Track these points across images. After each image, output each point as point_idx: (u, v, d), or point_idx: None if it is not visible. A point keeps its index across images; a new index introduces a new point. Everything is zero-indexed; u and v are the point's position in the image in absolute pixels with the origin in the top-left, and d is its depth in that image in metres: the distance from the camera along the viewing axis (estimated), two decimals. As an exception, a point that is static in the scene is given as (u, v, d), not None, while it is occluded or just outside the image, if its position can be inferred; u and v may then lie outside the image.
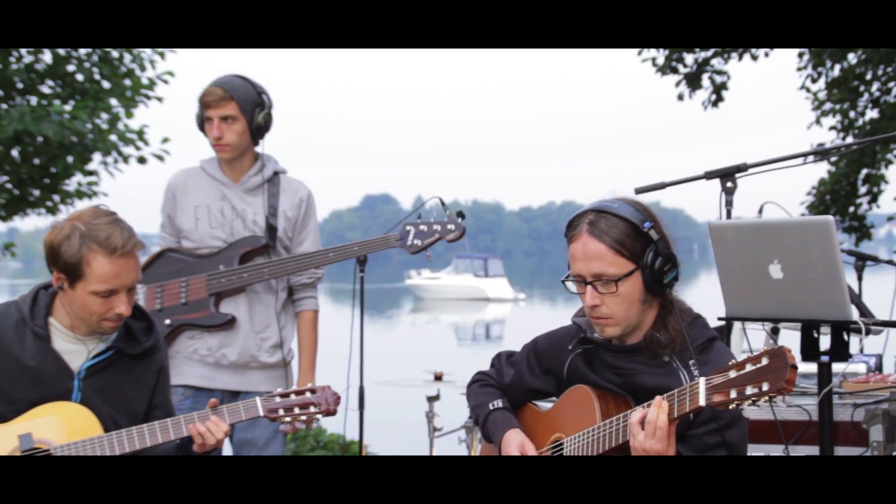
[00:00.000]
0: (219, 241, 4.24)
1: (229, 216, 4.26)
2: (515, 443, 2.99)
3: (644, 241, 2.81)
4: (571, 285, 2.87)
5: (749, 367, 2.45)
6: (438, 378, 5.87)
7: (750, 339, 3.78)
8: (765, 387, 2.41)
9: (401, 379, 6.09)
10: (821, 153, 3.93)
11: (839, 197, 12.22)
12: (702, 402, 2.53)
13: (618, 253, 2.78)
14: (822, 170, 12.69)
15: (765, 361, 2.43)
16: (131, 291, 3.15)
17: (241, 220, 4.26)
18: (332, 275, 4.86)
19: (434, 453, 5.84)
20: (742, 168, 3.74)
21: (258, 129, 4.29)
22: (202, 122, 4.30)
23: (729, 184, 3.73)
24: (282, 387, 4.32)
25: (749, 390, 2.44)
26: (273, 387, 4.28)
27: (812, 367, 3.86)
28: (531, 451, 2.97)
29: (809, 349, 3.35)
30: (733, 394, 2.46)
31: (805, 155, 3.81)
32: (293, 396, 3.20)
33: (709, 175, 3.74)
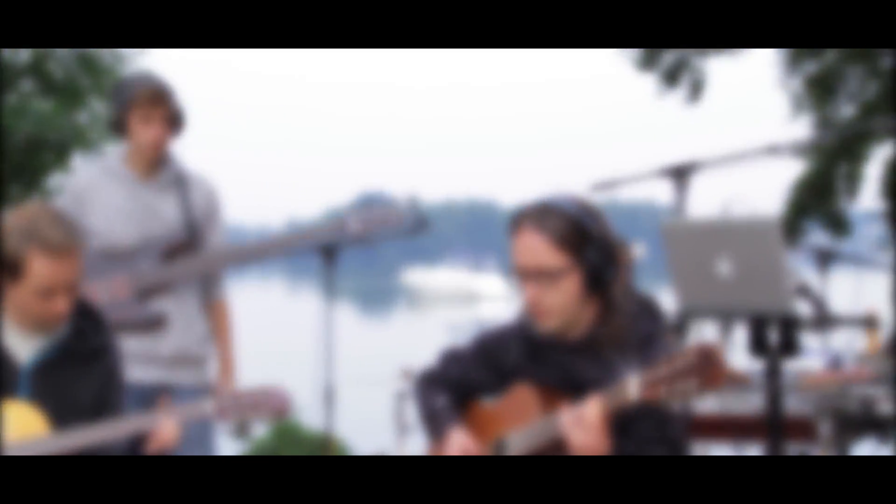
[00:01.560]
0: (133, 241, 4.22)
1: (144, 215, 4.25)
2: (457, 442, 2.99)
3: (587, 238, 2.83)
4: (513, 278, 2.89)
5: (679, 364, 2.48)
6: (408, 376, 5.88)
7: (707, 336, 3.82)
8: (693, 383, 2.45)
9: (372, 376, 6.10)
10: (776, 150, 3.94)
11: (818, 193, 12.26)
12: (632, 397, 2.56)
13: (559, 248, 2.80)
14: (802, 166, 12.73)
15: (694, 359, 2.46)
16: (71, 290, 3.15)
17: (157, 218, 4.26)
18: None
19: (403, 451, 5.86)
20: (694, 165, 3.76)
21: (179, 128, 4.32)
22: (124, 121, 4.23)
23: (682, 180, 3.75)
24: (205, 380, 4.38)
25: (678, 386, 2.47)
26: (200, 380, 4.34)
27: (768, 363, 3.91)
28: (473, 451, 2.98)
29: (758, 345, 3.39)
30: (663, 390, 2.49)
31: (759, 152, 3.83)
32: (244, 397, 3.20)
33: (662, 172, 3.76)
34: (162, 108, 4.20)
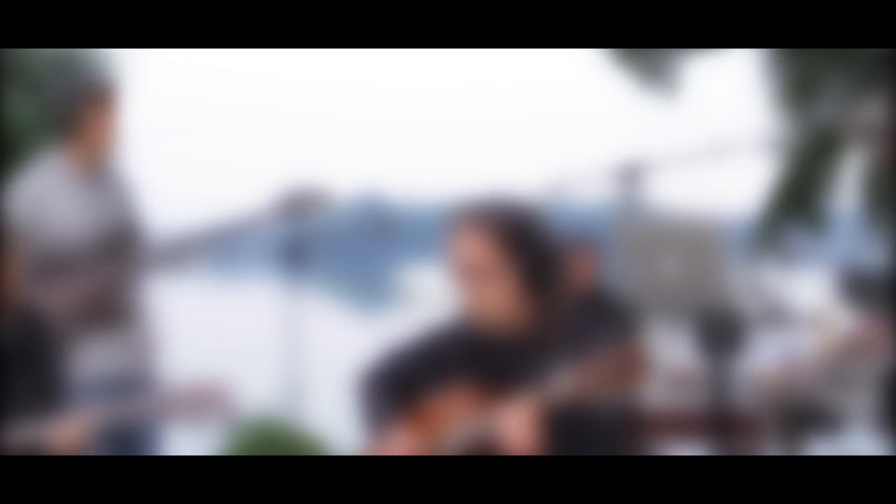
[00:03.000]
0: (89, 241, 4.22)
1: (96, 215, 4.26)
2: (398, 444, 3.00)
3: (524, 238, 2.86)
4: (449, 277, 2.92)
5: (604, 361, 2.54)
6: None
7: (658, 333, 3.86)
8: (618, 379, 2.51)
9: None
10: (726, 149, 3.97)
11: (797, 192, 12.27)
12: (562, 394, 2.61)
13: (496, 247, 2.83)
14: (781, 164, 12.72)
15: (619, 356, 2.52)
16: None
17: (106, 216, 4.28)
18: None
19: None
20: (644, 165, 3.80)
21: None
22: (75, 116, 4.18)
23: (631, 181, 3.78)
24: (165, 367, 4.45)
25: (603, 382, 2.53)
26: (160, 368, 4.40)
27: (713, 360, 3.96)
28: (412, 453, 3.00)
29: (704, 342, 3.44)
30: (590, 384, 2.55)
31: (710, 152, 3.87)
32: (176, 395, 3.20)
33: (612, 172, 3.79)
34: (119, 101, 4.19)
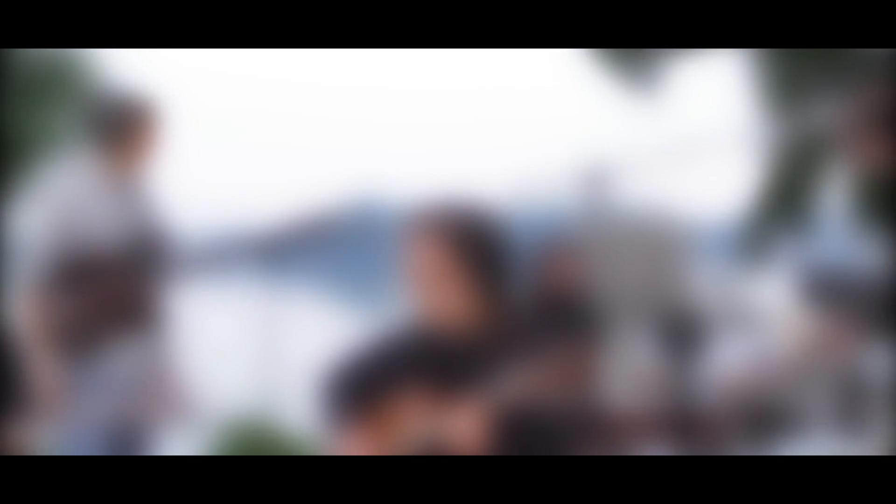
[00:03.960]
0: (124, 248, 4.27)
1: (130, 222, 4.30)
2: (355, 448, 3.02)
3: (480, 242, 2.89)
4: (404, 280, 2.95)
5: (551, 365, 2.59)
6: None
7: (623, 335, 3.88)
8: (566, 381, 2.56)
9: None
10: (696, 151, 4.02)
11: (784, 194, 12.28)
12: (511, 396, 2.65)
13: (452, 251, 2.86)
14: (768, 166, 12.71)
15: (565, 358, 2.57)
16: None
17: (137, 223, 4.31)
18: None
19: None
20: (613, 168, 3.84)
21: None
22: (123, 129, 4.27)
23: (599, 183, 3.83)
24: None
25: (551, 384, 2.58)
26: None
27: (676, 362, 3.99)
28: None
29: (668, 343, 3.48)
30: (537, 387, 2.60)
31: (679, 154, 3.91)
32: (151, 392, 3.23)
33: (581, 177, 3.83)
34: (163, 118, 4.28)
